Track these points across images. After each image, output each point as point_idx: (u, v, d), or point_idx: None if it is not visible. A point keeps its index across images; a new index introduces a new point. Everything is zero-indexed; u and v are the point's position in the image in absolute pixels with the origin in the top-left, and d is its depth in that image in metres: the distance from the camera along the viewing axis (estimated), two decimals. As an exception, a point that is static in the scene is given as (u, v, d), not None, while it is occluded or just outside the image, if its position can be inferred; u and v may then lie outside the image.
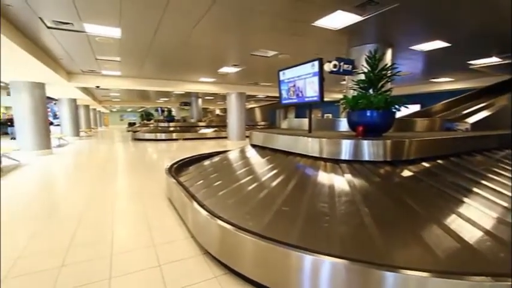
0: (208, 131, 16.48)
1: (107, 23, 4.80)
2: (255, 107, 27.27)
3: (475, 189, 2.47)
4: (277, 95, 4.32)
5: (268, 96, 17.36)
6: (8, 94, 13.30)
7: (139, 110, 33.76)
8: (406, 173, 2.67)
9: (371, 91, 3.20)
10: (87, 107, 21.49)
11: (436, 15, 4.39)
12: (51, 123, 16.03)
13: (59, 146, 11.61)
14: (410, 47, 6.23)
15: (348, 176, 2.56)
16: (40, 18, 4.52)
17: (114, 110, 38.86)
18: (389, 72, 3.24)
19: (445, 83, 11.57)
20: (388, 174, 2.65)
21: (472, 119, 4.78)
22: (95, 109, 28.23)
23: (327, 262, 1.61)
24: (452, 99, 6.48)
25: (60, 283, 2.01)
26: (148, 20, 4.68)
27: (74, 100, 15.64)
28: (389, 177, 2.63)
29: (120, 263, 2.30)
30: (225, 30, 5.26)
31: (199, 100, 19.03)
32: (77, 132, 15.91)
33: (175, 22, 4.81)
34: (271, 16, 4.51)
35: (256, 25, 5.00)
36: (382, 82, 3.19)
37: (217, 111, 32.53)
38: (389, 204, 2.21)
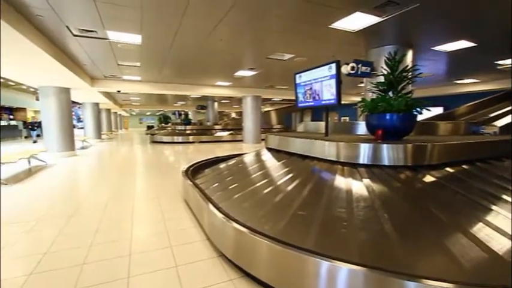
0: (224, 134, 16.65)
1: (129, 30, 4.99)
2: (270, 110, 27.27)
3: (505, 197, 2.32)
4: (293, 98, 4.30)
5: (284, 99, 17.32)
6: (37, 99, 14.11)
7: (158, 114, 34.72)
8: (429, 178, 2.56)
9: (391, 93, 3.11)
10: (108, 110, 22.38)
11: (460, 13, 4.21)
12: (74, 126, 16.71)
13: (82, 148, 12.13)
14: (433, 48, 6.02)
15: (367, 181, 2.49)
16: (67, 26, 4.78)
17: (134, 113, 40.18)
18: (410, 74, 3.14)
19: (470, 85, 11.05)
20: (409, 179, 2.55)
21: (500, 122, 4.53)
22: (115, 112, 29.32)
23: (345, 269, 1.57)
24: (478, 101, 6.18)
25: (82, 280, 2.08)
26: (168, 26, 4.82)
27: (97, 104, 16.35)
28: (411, 182, 2.53)
29: (138, 262, 2.35)
30: (242, 34, 5.32)
31: (215, 103, 19.30)
32: (99, 134, 16.60)
33: (193, 28, 4.92)
34: (288, 19, 4.52)
35: (273, 28, 5.01)
36: (403, 84, 3.10)
37: (233, 115, 32.80)
38: (410, 210, 2.13)
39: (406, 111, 2.90)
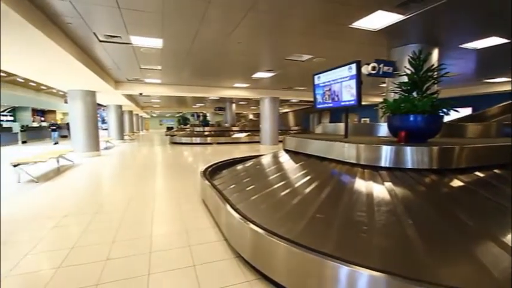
0: (242, 136, 16.75)
1: (151, 34, 5.16)
2: (288, 112, 27.11)
3: (543, 204, 2.15)
4: (311, 99, 4.24)
5: (301, 101, 17.16)
6: (66, 102, 14.96)
7: (177, 115, 35.57)
8: (456, 183, 2.43)
9: (415, 94, 2.99)
10: (130, 112, 23.24)
11: (491, 8, 3.97)
12: (99, 128, 17.43)
13: (106, 148, 12.66)
14: (461, 46, 5.72)
15: (389, 184, 2.40)
16: (94, 33, 5.02)
17: (154, 115, 41.47)
18: (435, 73, 3.01)
19: (502, 84, 10.38)
20: (434, 183, 2.43)
21: (537, 124, 4.22)
22: (137, 114, 30.39)
23: (365, 275, 1.51)
24: (512, 101, 5.79)
25: (106, 275, 2.17)
26: (187, 30, 4.93)
27: (120, 106, 17.02)
28: (436, 186, 2.41)
29: (158, 260, 2.41)
30: (260, 36, 5.33)
31: (233, 105, 19.47)
32: (121, 135, 17.27)
33: (212, 31, 5.00)
34: (307, 20, 4.47)
35: (292, 30, 4.99)
36: (428, 84, 2.96)
37: (251, 116, 32.94)
38: (436, 216, 2.02)
39: (432, 112, 2.78)
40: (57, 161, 7.67)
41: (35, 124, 19.57)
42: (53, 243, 2.75)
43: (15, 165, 5.36)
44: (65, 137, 19.48)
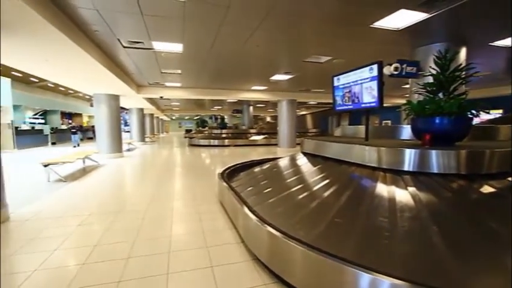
0: (259, 138, 16.76)
1: (171, 39, 5.31)
2: (306, 114, 26.85)
3: None
4: (330, 101, 4.17)
5: (319, 103, 16.93)
6: (91, 105, 15.71)
7: (195, 118, 36.27)
8: (487, 189, 2.28)
9: (441, 95, 2.85)
10: (151, 115, 23.99)
11: (525, 4, 3.73)
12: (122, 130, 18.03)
13: (128, 150, 13.12)
14: (491, 43, 5.41)
15: (412, 189, 2.30)
16: (118, 39, 5.24)
17: (174, 118, 42.55)
18: (463, 73, 2.86)
19: (538, 84, 9.68)
20: (462, 189, 2.30)
21: None
22: (157, 117, 31.31)
23: (387, 283, 1.45)
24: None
25: (127, 273, 2.23)
26: (207, 34, 5.02)
27: (141, 109, 17.61)
28: (465, 193, 2.29)
29: (176, 260, 2.45)
30: (279, 39, 5.33)
31: (251, 108, 19.57)
32: (143, 137, 17.84)
33: (231, 35, 5.06)
34: (326, 21, 4.41)
35: (310, 31, 4.94)
36: (455, 85, 2.82)
37: (268, 119, 32.95)
38: (463, 223, 1.91)
39: (459, 114, 2.64)
40: (83, 162, 8.05)
41: (64, 126, 20.67)
42: (78, 241, 2.88)
43: (45, 165, 5.68)
44: (90, 139, 20.44)
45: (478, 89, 10.63)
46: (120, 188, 5.66)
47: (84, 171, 7.07)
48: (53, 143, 16.39)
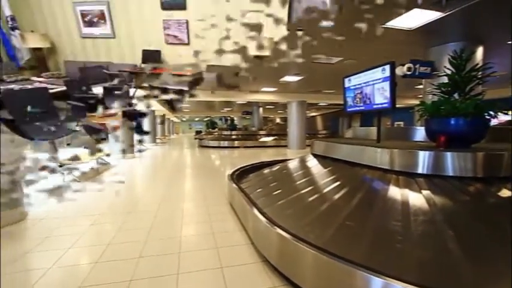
0: (268, 140, 16.74)
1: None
2: (316, 115, 26.65)
3: None
4: (340, 102, 4.13)
5: (330, 104, 16.77)
6: (105, 107, 16.09)
7: (205, 119, 36.58)
8: (506, 193, 2.20)
9: (456, 96, 2.77)
10: (162, 116, 24.33)
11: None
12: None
13: (140, 151, 13.35)
14: (509, 42, 5.22)
15: (427, 193, 2.24)
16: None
17: (184, 119, 43.04)
18: (480, 73, 2.77)
19: (560, 84, 9.28)
20: (479, 192, 2.23)
21: None
22: (168, 119, 31.73)
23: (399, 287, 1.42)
24: None
25: (138, 272, 2.26)
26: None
27: (153, 111, 17.89)
28: (481, 196, 2.21)
29: (186, 260, 2.47)
30: (290, 40, 5.29)
31: (260, 109, 19.56)
32: (154, 139, 18.12)
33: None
34: (337, 21, 4.36)
35: (321, 31, 4.89)
36: (471, 85, 2.73)
37: (278, 120, 32.86)
38: (480, 228, 1.84)
39: (476, 115, 2.55)
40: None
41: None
42: (91, 240, 2.95)
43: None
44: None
45: (495, 89, 10.27)
46: (131, 188, 5.77)
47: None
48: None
